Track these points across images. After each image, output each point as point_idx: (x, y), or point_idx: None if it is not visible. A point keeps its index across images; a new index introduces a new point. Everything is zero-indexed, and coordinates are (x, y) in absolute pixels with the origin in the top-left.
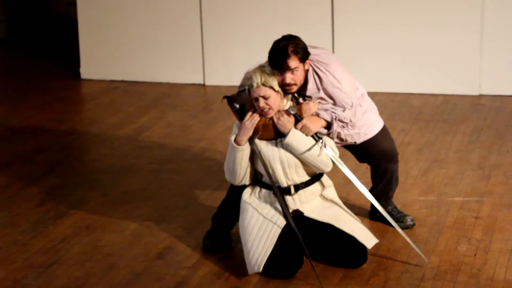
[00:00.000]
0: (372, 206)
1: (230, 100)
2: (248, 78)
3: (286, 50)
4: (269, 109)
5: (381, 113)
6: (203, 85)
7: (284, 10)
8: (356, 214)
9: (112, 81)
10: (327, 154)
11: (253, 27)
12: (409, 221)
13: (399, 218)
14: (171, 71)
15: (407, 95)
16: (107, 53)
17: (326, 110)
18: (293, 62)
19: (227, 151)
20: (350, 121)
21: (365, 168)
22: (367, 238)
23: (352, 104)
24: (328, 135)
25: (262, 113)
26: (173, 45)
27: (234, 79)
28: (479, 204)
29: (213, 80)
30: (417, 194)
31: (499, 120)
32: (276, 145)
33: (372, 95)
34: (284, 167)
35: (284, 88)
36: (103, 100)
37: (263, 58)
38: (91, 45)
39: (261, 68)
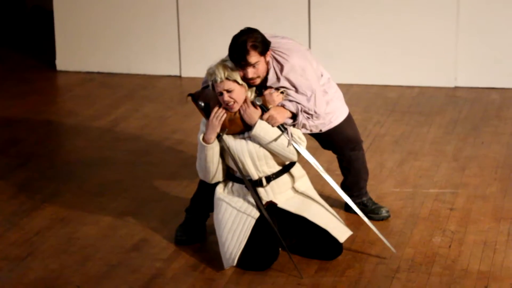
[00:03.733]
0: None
1: (195, 97)
2: (211, 73)
3: (245, 46)
4: (234, 102)
5: (356, 105)
6: (180, 76)
7: (261, 2)
8: (332, 205)
9: (88, 73)
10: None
11: (230, 18)
12: (384, 212)
13: (374, 209)
14: (147, 63)
15: (383, 87)
16: (83, 44)
17: (291, 101)
18: (253, 58)
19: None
20: (315, 112)
21: None
22: (340, 231)
23: (315, 91)
24: (293, 125)
25: (227, 108)
26: (150, 36)
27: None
28: (454, 195)
29: (189, 72)
30: (392, 186)
31: (474, 112)
32: (244, 139)
33: (348, 87)
34: (254, 159)
35: (248, 82)
36: (79, 92)
37: None
38: (67, 36)
39: (223, 62)
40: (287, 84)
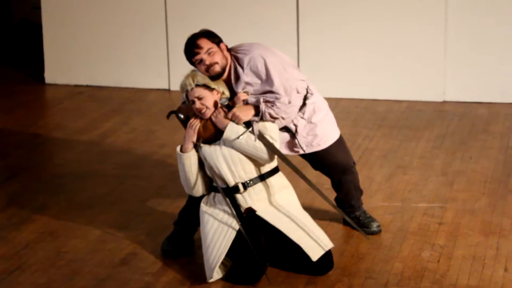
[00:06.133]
0: (343, 211)
1: (175, 111)
2: (183, 85)
3: (194, 35)
4: (206, 108)
5: (345, 119)
6: (168, 90)
7: (250, 15)
8: (320, 219)
9: (76, 86)
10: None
11: (219, 32)
12: (374, 227)
13: (365, 223)
14: (136, 76)
15: (372, 101)
16: (71, 57)
17: (255, 95)
18: (204, 43)
19: None
20: (279, 94)
21: None
22: (314, 249)
23: (280, 71)
24: (261, 119)
25: (200, 115)
26: (139, 50)
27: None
28: (443, 210)
29: (178, 85)
30: (381, 200)
31: (462, 126)
32: (219, 145)
33: (336, 101)
34: (229, 164)
35: (209, 72)
36: (67, 105)
37: None
38: (56, 49)
39: (192, 71)
40: (250, 76)
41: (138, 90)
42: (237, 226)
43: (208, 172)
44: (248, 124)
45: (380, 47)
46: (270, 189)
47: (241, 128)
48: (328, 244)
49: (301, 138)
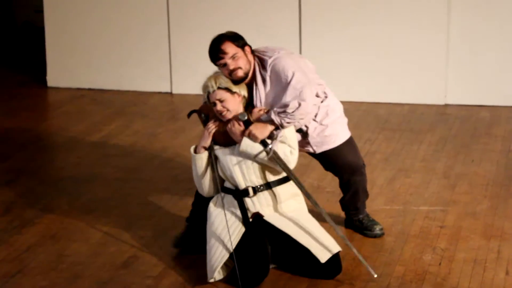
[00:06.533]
0: (347, 214)
1: (197, 110)
2: (205, 86)
3: (220, 38)
4: (227, 111)
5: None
6: (171, 93)
7: (252, 19)
8: (322, 221)
9: (79, 89)
10: (285, 153)
11: None
12: (377, 230)
13: (368, 226)
14: (138, 80)
15: (373, 104)
16: (74, 60)
17: (269, 111)
18: (229, 47)
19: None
20: (286, 102)
21: (331, 176)
22: (322, 252)
23: (301, 70)
24: (278, 128)
25: (220, 117)
26: (141, 53)
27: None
28: (444, 213)
29: (180, 88)
30: (382, 203)
31: (464, 129)
32: (233, 148)
33: None
34: (241, 167)
35: (232, 76)
36: (69, 108)
37: None
38: (58, 52)
39: (215, 73)
40: (273, 77)
41: (140, 93)
42: (243, 229)
43: (220, 173)
44: (264, 142)
45: (381, 50)
46: (279, 196)
47: (256, 144)
48: (335, 248)
49: (311, 140)
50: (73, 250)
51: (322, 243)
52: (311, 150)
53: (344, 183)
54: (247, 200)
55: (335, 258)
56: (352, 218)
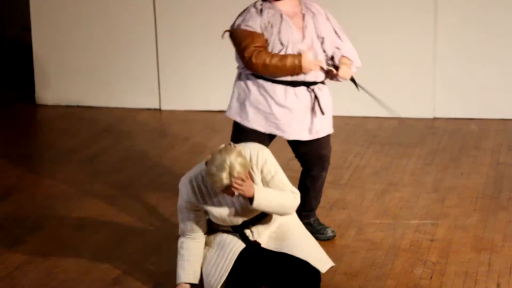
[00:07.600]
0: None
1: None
2: (216, 181)
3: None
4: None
5: (336, 136)
6: (159, 109)
7: None
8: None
9: (67, 106)
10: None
11: (209, 51)
12: (329, 232)
13: (320, 230)
14: (126, 96)
15: (362, 118)
16: (62, 78)
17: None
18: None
19: (183, 175)
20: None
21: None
22: (321, 262)
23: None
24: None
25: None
26: (129, 70)
27: (190, 104)
28: (434, 226)
29: (169, 104)
30: (372, 217)
31: (453, 142)
32: (228, 204)
33: None
34: (241, 214)
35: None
36: (58, 125)
37: (220, 82)
38: (46, 70)
39: (223, 163)
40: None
41: (128, 110)
42: (239, 249)
43: (213, 220)
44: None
45: (369, 63)
46: (275, 218)
47: (270, 194)
48: (328, 263)
49: (325, 120)
50: (63, 267)
51: (319, 255)
52: (308, 135)
53: (311, 176)
54: (246, 231)
55: (317, 273)
56: (303, 221)
